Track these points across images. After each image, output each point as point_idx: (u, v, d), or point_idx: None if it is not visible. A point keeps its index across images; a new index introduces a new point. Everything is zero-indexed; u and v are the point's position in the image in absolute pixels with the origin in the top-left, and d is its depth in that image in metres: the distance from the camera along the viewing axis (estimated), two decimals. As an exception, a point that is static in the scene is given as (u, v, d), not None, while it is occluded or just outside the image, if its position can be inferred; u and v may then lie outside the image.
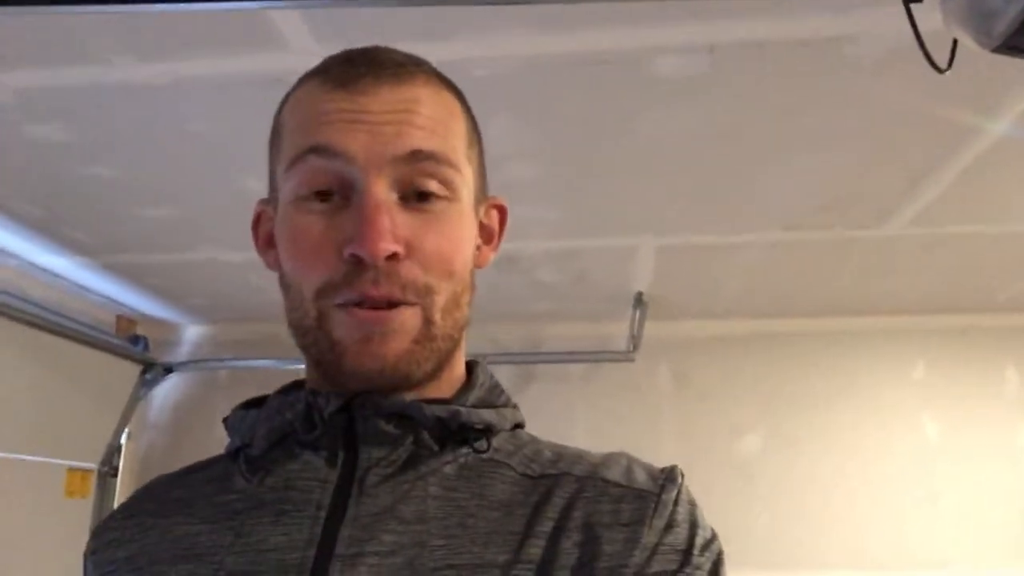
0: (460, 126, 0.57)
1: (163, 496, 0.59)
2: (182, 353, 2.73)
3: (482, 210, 0.61)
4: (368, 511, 0.51)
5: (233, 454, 0.59)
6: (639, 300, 2.31)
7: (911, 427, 2.47)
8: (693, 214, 1.76)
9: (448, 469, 0.53)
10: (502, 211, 0.63)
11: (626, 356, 2.37)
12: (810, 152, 1.46)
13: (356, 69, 0.54)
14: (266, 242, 0.61)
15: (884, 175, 1.56)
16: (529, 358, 2.49)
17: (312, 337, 0.54)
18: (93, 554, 0.59)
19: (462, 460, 0.54)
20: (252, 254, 2.07)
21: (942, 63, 0.87)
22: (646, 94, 1.25)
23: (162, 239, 1.88)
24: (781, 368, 2.54)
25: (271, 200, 0.60)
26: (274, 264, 0.59)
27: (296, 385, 0.60)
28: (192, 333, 2.75)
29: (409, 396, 0.54)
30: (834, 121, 1.35)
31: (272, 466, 0.55)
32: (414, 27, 1.09)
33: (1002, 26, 0.76)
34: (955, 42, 0.85)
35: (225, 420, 0.61)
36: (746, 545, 2.26)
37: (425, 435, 0.54)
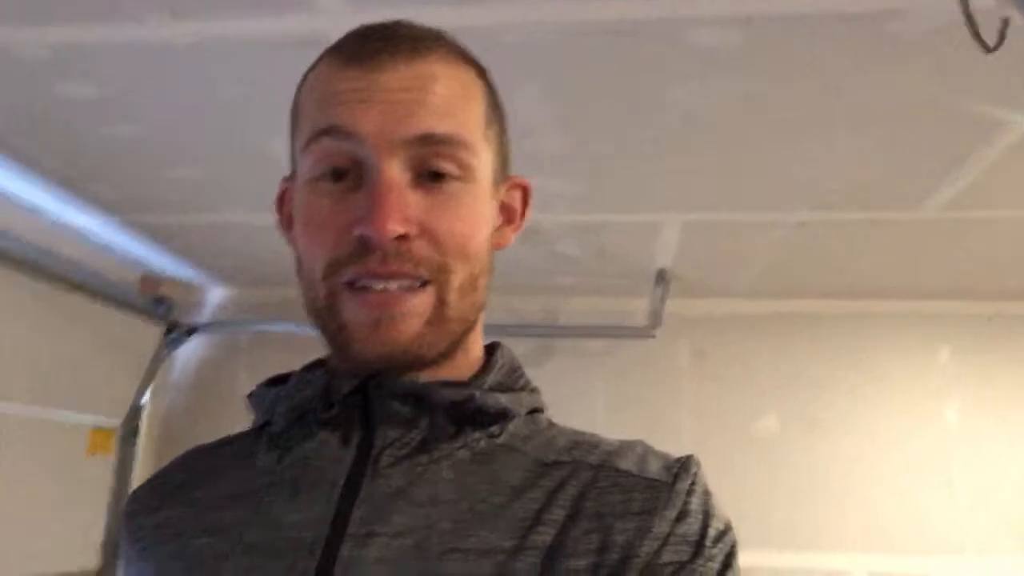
0: (478, 105, 0.56)
1: (193, 468, 0.61)
2: (204, 315, 2.76)
3: (503, 189, 0.59)
4: (381, 491, 0.51)
5: (257, 430, 0.59)
6: (661, 277, 2.29)
7: (933, 412, 2.45)
8: (721, 190, 1.73)
9: (462, 453, 0.53)
10: (525, 190, 0.62)
11: (646, 332, 2.36)
12: (844, 131, 1.43)
13: (371, 44, 0.53)
14: (288, 220, 0.61)
15: (919, 157, 1.53)
16: (548, 331, 2.49)
17: (323, 318, 0.54)
18: (128, 517, 0.61)
19: (477, 445, 0.54)
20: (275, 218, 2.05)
21: (988, 43, 0.85)
22: (679, 66, 1.23)
23: (187, 200, 1.89)
24: (802, 349, 2.52)
25: (292, 178, 0.59)
26: (294, 243, 0.59)
27: (319, 363, 0.60)
28: (215, 295, 2.78)
29: (424, 376, 0.54)
30: (870, 100, 1.32)
31: (291, 443, 0.55)
32: (446, -9, 1.07)
33: (1056, 3, 0.73)
34: (1005, 22, 0.83)
35: (249, 396, 0.61)
36: (762, 525, 2.26)
37: (440, 417, 0.53)
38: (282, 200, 0.62)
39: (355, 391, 0.54)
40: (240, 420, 2.46)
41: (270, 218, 2.23)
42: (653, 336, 2.36)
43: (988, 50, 0.82)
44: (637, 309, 2.46)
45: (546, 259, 2.19)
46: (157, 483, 0.62)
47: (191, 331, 2.66)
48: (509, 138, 0.61)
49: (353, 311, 0.52)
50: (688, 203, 1.80)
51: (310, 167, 0.54)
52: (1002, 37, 0.82)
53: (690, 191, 1.74)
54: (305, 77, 0.58)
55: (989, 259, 2.11)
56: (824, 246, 2.07)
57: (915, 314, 2.50)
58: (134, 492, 0.62)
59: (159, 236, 2.20)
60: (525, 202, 0.62)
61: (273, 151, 1.58)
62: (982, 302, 2.46)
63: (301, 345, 2.93)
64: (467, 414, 0.54)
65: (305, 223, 0.54)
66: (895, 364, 2.50)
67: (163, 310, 2.61)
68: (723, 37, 1.15)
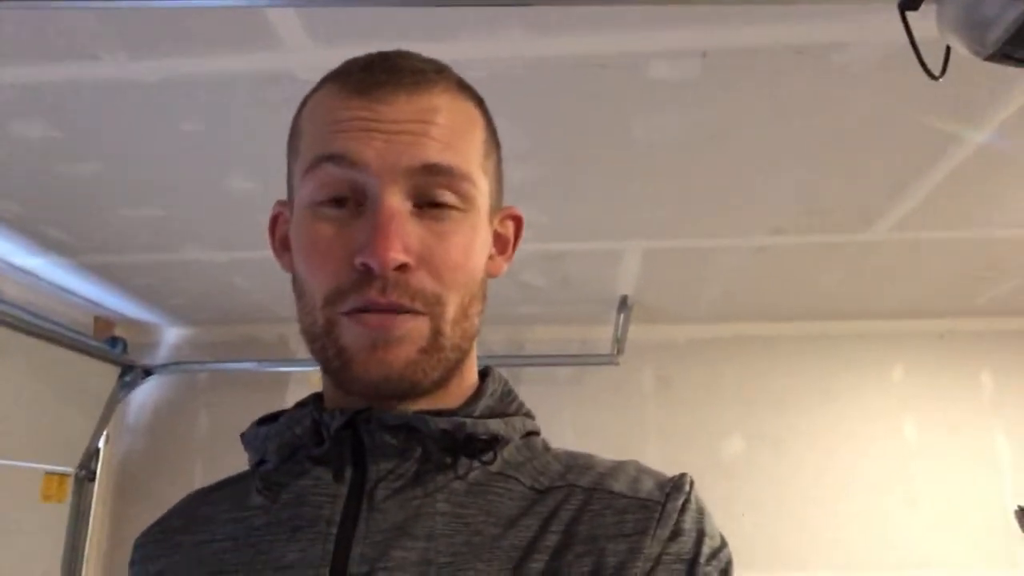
0: (478, 136, 0.57)
1: (191, 513, 0.60)
2: (161, 355, 2.70)
3: (497, 220, 0.60)
4: (378, 527, 0.51)
5: (253, 470, 0.59)
6: (624, 304, 2.32)
7: (891, 430, 2.51)
8: (680, 218, 1.77)
9: (457, 485, 0.53)
10: (518, 221, 0.63)
11: (610, 359, 2.38)
12: (797, 157, 1.48)
13: (375, 76, 0.54)
14: (282, 244, 0.60)
15: (868, 181, 1.58)
16: (514, 361, 2.49)
17: (320, 344, 0.54)
18: (132, 565, 0.61)
19: (471, 476, 0.54)
20: (237, 254, 2.04)
21: (933, 71, 0.89)
22: (639, 98, 1.26)
23: (145, 239, 1.86)
24: (763, 371, 2.57)
25: (288, 203, 0.59)
26: (288, 267, 0.59)
27: (316, 398, 0.60)
28: (171, 335, 2.72)
29: (417, 406, 0.54)
30: (821, 127, 1.37)
31: (286, 481, 0.55)
32: (411, 27, 1.09)
33: (996, 34, 0.77)
34: (948, 50, 0.87)
35: (242, 436, 0.61)
36: (729, 546, 2.27)
37: (432, 447, 0.53)
38: (275, 223, 0.62)
39: (345, 426, 0.54)
40: (200, 461, 2.38)
41: (230, 255, 2.20)
42: (617, 363, 2.38)
43: (934, 77, 0.86)
44: (601, 336, 2.48)
45: (511, 289, 2.20)
46: (158, 530, 0.61)
47: (147, 372, 2.60)
48: (503, 170, 0.62)
49: (351, 335, 0.52)
50: (649, 231, 1.84)
51: (311, 192, 0.54)
52: (946, 64, 0.87)
53: (651, 219, 1.77)
54: (304, 102, 0.58)
55: (938, 278, 2.19)
56: (780, 270, 2.12)
57: (869, 334, 2.57)
58: (138, 539, 0.62)
59: (114, 277, 2.16)
60: (518, 232, 0.63)
61: (232, 188, 1.57)
62: (933, 320, 2.54)
63: (261, 383, 2.86)
64: (459, 442, 0.54)
65: (306, 249, 0.54)
66: (852, 383, 2.56)
67: (118, 351, 2.55)
68: (681, 70, 1.19)
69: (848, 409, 2.53)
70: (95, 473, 2.47)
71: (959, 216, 1.76)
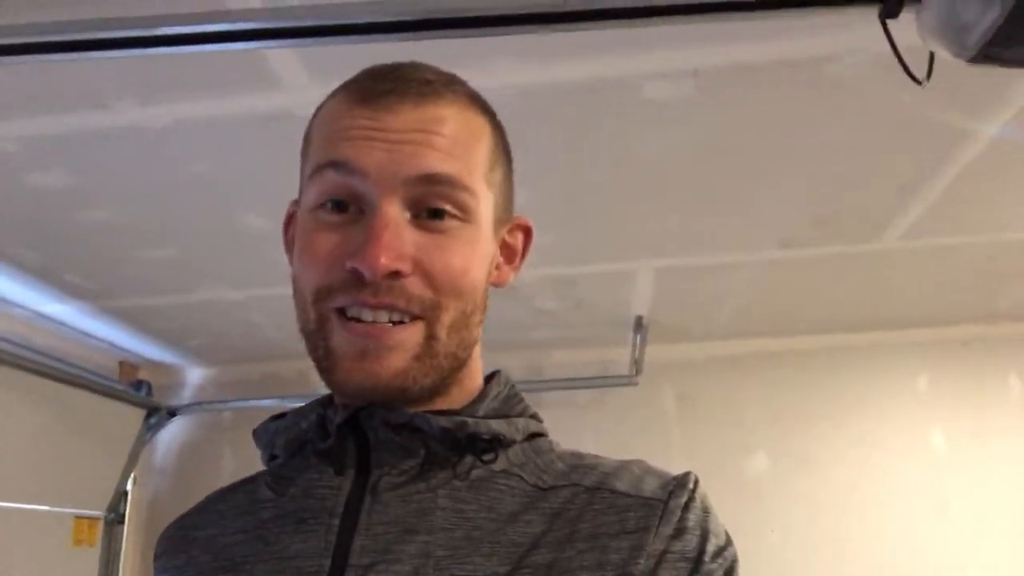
0: (483, 148, 0.57)
1: (211, 510, 0.62)
2: (185, 396, 2.73)
3: (505, 230, 0.61)
4: (380, 520, 0.52)
5: (265, 468, 0.62)
6: (639, 324, 2.32)
7: (918, 439, 2.46)
8: (689, 235, 1.77)
9: (459, 482, 0.54)
10: (527, 231, 0.64)
11: (629, 380, 2.37)
12: (799, 168, 1.48)
13: (382, 85, 0.55)
14: (292, 242, 0.62)
15: (873, 188, 1.58)
16: (534, 386, 2.49)
17: (313, 342, 0.55)
18: (156, 559, 0.63)
19: (474, 473, 0.54)
20: (253, 291, 2.07)
21: (921, 75, 0.89)
22: (636, 118, 1.28)
23: (162, 281, 1.90)
24: (784, 387, 2.54)
25: (299, 202, 0.61)
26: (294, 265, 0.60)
27: (326, 398, 0.61)
28: (194, 376, 2.76)
29: (419, 407, 0.55)
30: (821, 137, 1.37)
31: (294, 475, 0.57)
32: (406, 60, 1.11)
33: (976, 37, 0.78)
34: (932, 54, 0.88)
35: (254, 432, 0.63)
36: (758, 564, 2.24)
37: (436, 446, 0.54)
38: (289, 222, 0.63)
39: (349, 421, 0.55)
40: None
41: (246, 293, 2.23)
42: (636, 383, 2.37)
43: (919, 83, 0.86)
44: (619, 358, 2.47)
45: (526, 315, 2.21)
46: (177, 527, 0.64)
47: (172, 413, 2.63)
48: (513, 181, 0.62)
49: (341, 340, 0.53)
50: (659, 249, 1.84)
51: (314, 196, 0.55)
52: (930, 69, 0.87)
53: (660, 238, 1.77)
54: (318, 110, 0.60)
55: (957, 284, 2.16)
56: (794, 283, 2.11)
57: (891, 344, 2.54)
58: (161, 535, 0.64)
59: (136, 320, 2.20)
60: (527, 243, 0.64)
61: (247, 226, 1.60)
62: (956, 327, 2.50)
63: (285, 418, 2.83)
64: (460, 441, 0.54)
65: (302, 249, 0.56)
66: (876, 394, 2.52)
67: (143, 394, 2.59)
68: (675, 89, 1.20)
69: (874, 421, 2.49)
70: (124, 516, 2.50)
71: (970, 219, 1.74)
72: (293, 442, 0.58)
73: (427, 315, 0.53)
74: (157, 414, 2.58)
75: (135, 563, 2.55)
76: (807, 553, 2.35)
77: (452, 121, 0.55)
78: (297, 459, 0.57)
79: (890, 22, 0.86)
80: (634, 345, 2.37)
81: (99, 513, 2.41)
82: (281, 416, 0.61)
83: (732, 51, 1.11)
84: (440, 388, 0.56)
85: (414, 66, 0.58)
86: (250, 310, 2.12)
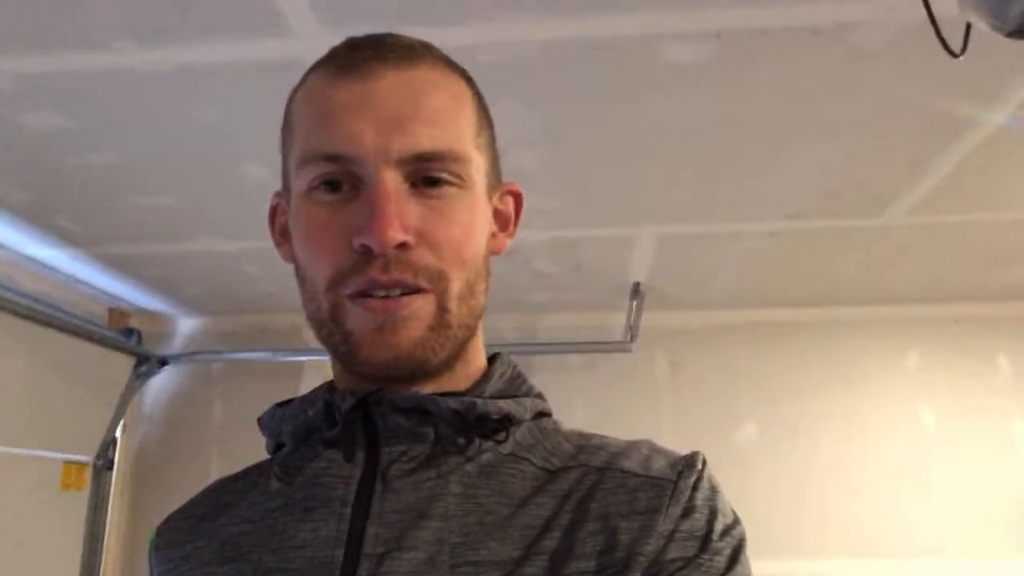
0: (469, 113, 0.56)
1: (214, 501, 0.61)
2: (176, 345, 2.71)
3: (496, 196, 0.60)
4: (392, 507, 0.51)
5: (271, 455, 0.60)
6: (636, 290, 2.31)
7: (907, 415, 2.49)
8: (694, 203, 1.76)
9: (469, 467, 0.53)
10: (517, 197, 0.63)
11: (623, 346, 2.37)
12: (813, 140, 1.46)
13: (361, 53, 0.54)
14: (281, 234, 0.61)
15: (886, 164, 1.56)
16: (527, 349, 2.49)
17: (327, 329, 0.54)
18: (156, 549, 0.62)
19: (483, 458, 0.54)
20: (249, 243, 2.05)
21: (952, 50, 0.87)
22: (652, 81, 1.25)
23: (158, 228, 1.87)
24: (777, 357, 2.55)
25: (284, 193, 0.60)
26: (289, 257, 0.59)
27: (330, 383, 0.60)
28: (186, 325, 2.74)
29: (426, 388, 0.54)
30: (838, 109, 1.35)
31: (302, 464, 0.56)
32: (420, 11, 1.08)
33: (1018, 9, 0.76)
34: (968, 27, 0.85)
35: (259, 420, 0.62)
36: (742, 523, 2.27)
37: (445, 429, 0.54)
38: (274, 214, 0.62)
39: (357, 407, 0.54)
40: (215, 450, 2.40)
41: (243, 244, 2.21)
42: (630, 350, 2.37)
43: (955, 55, 0.84)
44: (614, 323, 2.47)
45: (523, 276, 2.19)
46: (182, 516, 0.62)
47: (162, 362, 2.61)
48: (497, 144, 0.62)
49: (356, 319, 0.52)
50: (662, 216, 1.82)
51: (306, 181, 0.54)
52: (966, 42, 0.85)
53: (664, 204, 1.76)
54: (295, 91, 0.59)
55: (954, 263, 2.17)
56: (795, 255, 2.10)
57: (884, 319, 2.55)
58: (161, 525, 0.63)
59: (128, 267, 2.17)
60: (518, 208, 0.63)
61: (247, 176, 1.57)
62: (949, 304, 2.51)
63: (276, 373, 2.88)
64: (470, 422, 0.54)
65: (304, 235, 0.55)
66: (867, 369, 2.54)
67: (133, 342, 2.57)
68: (696, 52, 1.17)
69: (864, 395, 2.51)
70: (113, 462, 2.50)
71: (974, 199, 1.73)
72: (300, 429, 0.57)
73: (435, 287, 0.53)
74: (147, 363, 2.56)
75: (122, 509, 2.56)
76: (790, 523, 2.39)
77: (436, 87, 0.54)
78: (305, 447, 0.57)
79: (927, -9, 0.84)
80: (630, 311, 2.37)
81: (87, 459, 2.41)
82: (286, 403, 0.60)
83: (758, 14, 1.09)
84: (452, 361, 0.56)
85: (389, 35, 0.57)
86: (246, 261, 2.09)
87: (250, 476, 0.62)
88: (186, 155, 1.49)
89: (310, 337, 2.80)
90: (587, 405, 2.45)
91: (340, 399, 0.55)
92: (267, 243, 2.07)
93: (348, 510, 0.52)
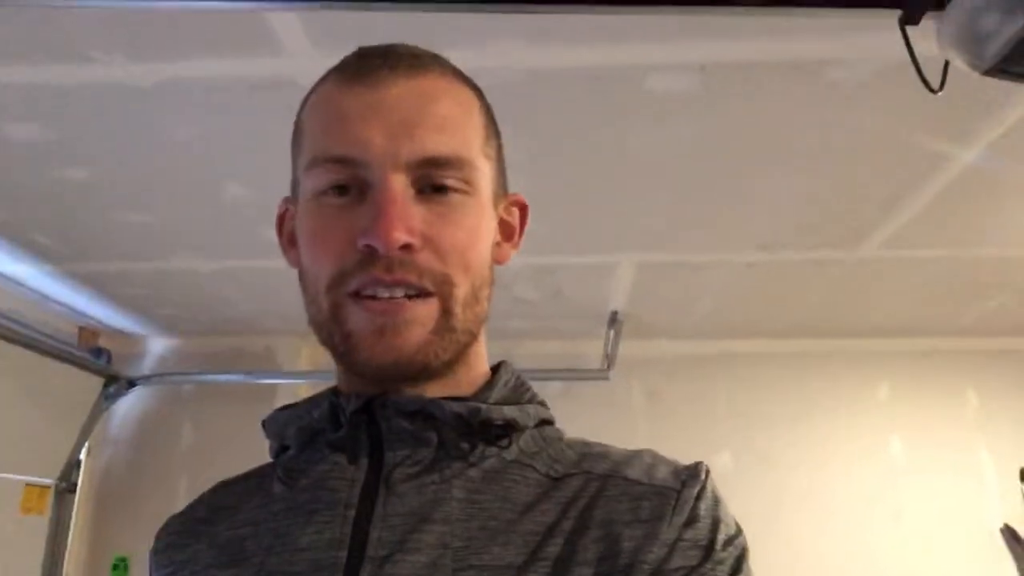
0: (477, 121, 0.57)
1: (216, 503, 0.60)
2: (146, 366, 2.66)
3: (502, 206, 0.60)
4: (396, 511, 0.51)
5: (274, 459, 0.60)
6: (614, 318, 2.32)
7: (877, 446, 2.52)
8: (673, 231, 1.78)
9: (472, 472, 0.53)
10: (523, 208, 0.63)
11: (601, 374, 2.38)
12: (790, 173, 1.49)
13: (371, 62, 0.54)
14: (289, 240, 0.61)
15: (860, 197, 1.60)
16: (503, 375, 2.48)
17: (327, 331, 0.54)
18: (155, 553, 0.61)
19: (487, 463, 0.54)
20: (228, 263, 2.02)
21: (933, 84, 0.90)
22: (636, 110, 1.27)
23: (134, 246, 1.84)
24: (751, 388, 2.58)
25: (293, 199, 0.60)
26: (295, 262, 0.59)
27: (334, 388, 0.60)
28: (157, 346, 2.69)
29: (429, 392, 0.54)
30: (816, 143, 1.38)
31: (306, 467, 0.55)
32: (411, 34, 1.08)
33: (994, 49, 0.78)
34: (947, 64, 0.88)
35: (263, 422, 0.61)
36: (744, 534, 2.26)
37: (449, 434, 0.53)
38: (282, 220, 0.62)
39: (361, 409, 0.54)
40: (184, 474, 2.34)
41: (221, 264, 2.18)
42: (607, 378, 2.38)
43: (933, 91, 0.87)
44: (591, 351, 2.48)
45: (503, 302, 2.20)
46: (183, 519, 0.61)
47: (131, 383, 2.56)
48: (504, 155, 0.62)
49: (358, 319, 0.52)
50: (642, 244, 1.84)
51: (314, 184, 0.54)
52: (944, 78, 0.88)
53: (644, 232, 1.78)
54: (307, 98, 0.59)
55: (925, 297, 2.21)
56: (770, 286, 2.13)
57: (856, 351, 2.59)
58: (162, 529, 0.62)
59: (102, 285, 2.13)
60: (523, 219, 0.63)
61: (228, 195, 1.56)
62: (919, 339, 2.56)
63: (248, 395, 2.82)
64: (474, 428, 0.54)
65: (309, 236, 0.55)
66: (839, 400, 2.57)
67: (102, 362, 2.52)
68: (679, 83, 1.20)
69: (835, 426, 2.54)
70: (76, 485, 2.43)
71: (948, 234, 1.78)
72: (305, 431, 0.57)
73: (440, 291, 0.53)
74: (116, 383, 2.51)
75: (85, 533, 2.48)
76: (762, 551, 2.37)
77: (445, 95, 0.55)
78: (309, 450, 0.56)
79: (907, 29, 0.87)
80: (607, 339, 2.38)
81: (50, 481, 2.34)
82: (290, 406, 0.60)
83: (741, 48, 1.11)
84: (454, 364, 0.56)
85: (399, 44, 0.57)
86: (223, 281, 2.07)
87: (252, 479, 0.61)
88: (166, 172, 1.48)
89: (284, 360, 2.78)
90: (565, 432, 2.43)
91: (345, 402, 0.54)
92: (246, 263, 2.06)
93: (352, 513, 0.51)
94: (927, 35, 0.86)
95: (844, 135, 1.36)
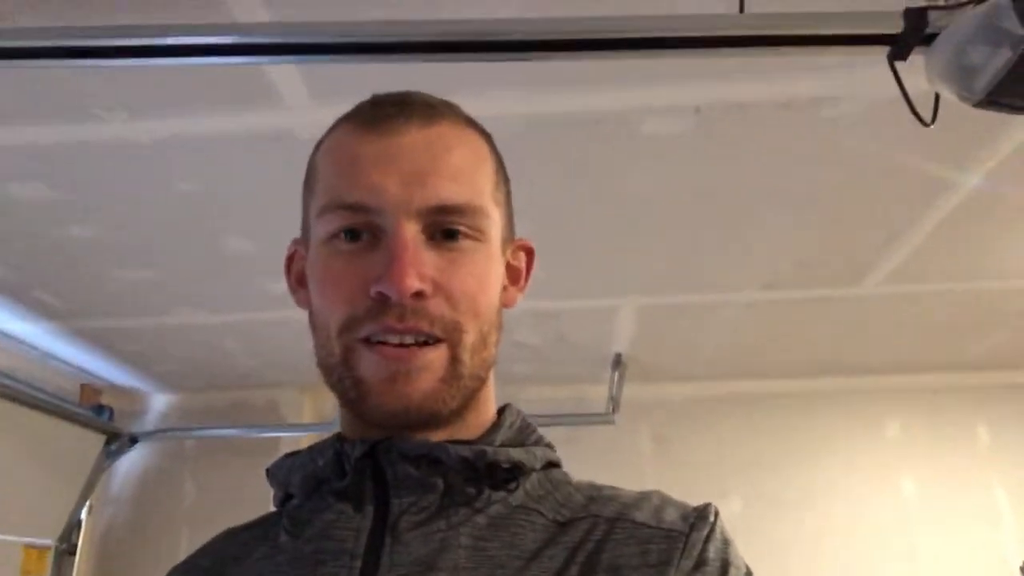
0: (488, 169, 0.58)
1: (221, 552, 0.60)
2: (148, 423, 2.64)
3: (509, 251, 0.61)
4: (402, 560, 0.50)
5: (279, 509, 0.59)
6: (618, 361, 2.31)
7: (888, 485, 2.48)
8: (674, 273, 1.78)
9: (479, 519, 0.52)
10: (529, 252, 0.64)
11: (606, 418, 2.36)
12: (789, 211, 1.50)
13: (385, 110, 0.55)
14: (297, 281, 0.61)
15: (860, 232, 1.60)
16: (508, 422, 2.46)
17: (337, 375, 0.54)
18: None
19: (492, 509, 0.53)
20: (230, 316, 2.01)
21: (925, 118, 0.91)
22: (633, 153, 1.28)
23: (137, 302, 1.84)
24: (759, 429, 2.55)
25: (303, 240, 0.60)
26: (304, 303, 0.59)
27: (338, 435, 0.59)
28: (159, 402, 2.67)
29: (435, 436, 0.54)
30: (812, 180, 1.39)
31: (311, 516, 0.55)
32: (408, 85, 1.10)
33: (983, 81, 0.79)
34: (937, 97, 0.89)
35: (267, 470, 0.61)
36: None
37: (455, 478, 0.53)
38: (291, 260, 0.63)
39: (366, 456, 0.54)
40: (185, 531, 2.30)
41: (223, 318, 2.17)
42: (613, 422, 2.36)
43: (926, 125, 0.88)
44: (596, 396, 2.46)
45: (505, 347, 2.18)
46: (186, 568, 0.60)
47: (133, 440, 2.54)
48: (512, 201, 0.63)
49: (369, 365, 0.52)
50: (643, 286, 1.84)
51: (326, 229, 0.55)
52: (936, 111, 0.89)
53: (645, 274, 1.78)
54: (320, 143, 0.60)
55: (931, 332, 2.20)
56: (774, 325, 2.13)
57: (864, 389, 2.57)
58: (167, 574, 0.61)
59: (104, 342, 2.13)
60: (529, 264, 0.63)
61: (229, 248, 1.57)
62: (927, 374, 2.54)
63: (250, 449, 2.80)
64: (480, 471, 0.53)
65: (322, 281, 0.55)
66: (848, 440, 2.54)
67: (104, 418, 2.50)
68: (674, 125, 1.21)
69: (845, 466, 2.51)
70: (76, 546, 2.39)
71: (949, 267, 1.78)
72: (309, 479, 0.56)
73: (449, 338, 0.53)
74: (118, 440, 2.48)
75: (84, 596, 2.43)
76: (778, 599, 2.34)
77: (457, 143, 0.56)
78: (314, 499, 0.56)
79: (897, 65, 0.88)
80: (612, 383, 2.36)
81: (50, 542, 2.30)
82: (295, 453, 0.60)
83: (735, 89, 1.13)
84: (462, 410, 0.55)
85: (412, 92, 0.59)
86: (224, 335, 2.06)
87: (258, 528, 0.60)
88: (169, 227, 1.49)
89: (287, 412, 2.76)
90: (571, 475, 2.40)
91: (350, 448, 0.54)
92: (248, 316, 2.05)
93: (358, 563, 0.50)
94: (917, 70, 0.88)
95: (841, 170, 1.37)
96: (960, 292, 1.91)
